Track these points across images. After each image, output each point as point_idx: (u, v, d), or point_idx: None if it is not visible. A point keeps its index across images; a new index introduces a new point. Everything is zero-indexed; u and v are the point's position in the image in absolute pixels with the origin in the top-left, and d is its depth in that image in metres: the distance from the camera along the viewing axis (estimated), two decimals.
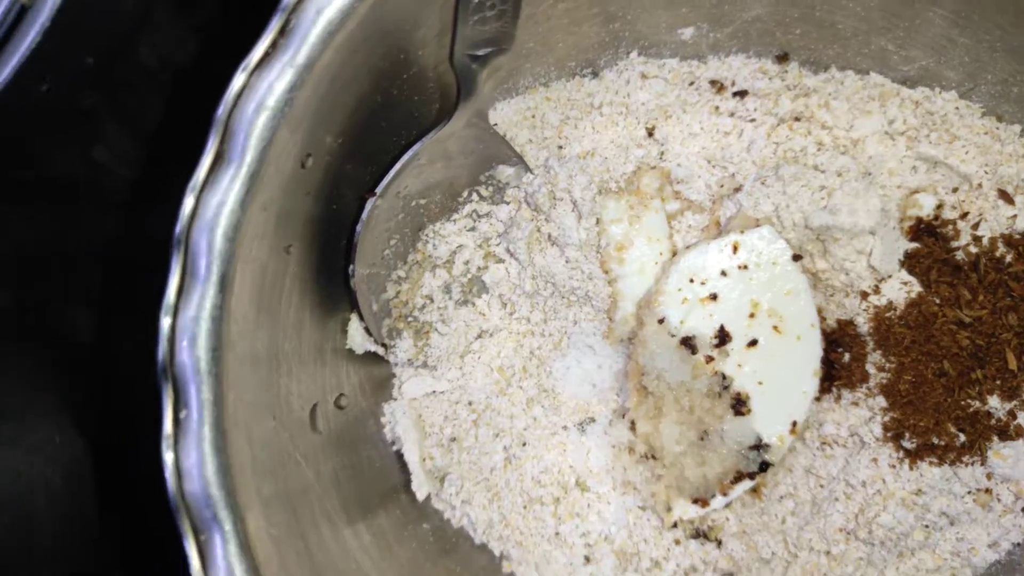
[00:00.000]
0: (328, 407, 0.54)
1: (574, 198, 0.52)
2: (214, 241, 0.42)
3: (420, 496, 0.56)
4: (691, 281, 0.51)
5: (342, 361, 0.56)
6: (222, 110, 0.42)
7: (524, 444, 0.57)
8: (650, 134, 0.55)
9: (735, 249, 0.50)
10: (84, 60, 0.59)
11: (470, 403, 0.57)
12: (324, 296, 0.53)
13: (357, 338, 0.55)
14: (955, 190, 0.50)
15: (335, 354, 0.55)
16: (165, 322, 0.42)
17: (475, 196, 0.56)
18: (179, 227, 0.42)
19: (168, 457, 0.42)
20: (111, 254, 0.75)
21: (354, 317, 0.55)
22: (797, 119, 0.53)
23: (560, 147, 0.56)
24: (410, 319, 0.56)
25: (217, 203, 0.42)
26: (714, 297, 0.51)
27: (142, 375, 0.74)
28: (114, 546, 0.67)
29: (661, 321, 0.52)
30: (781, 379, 0.50)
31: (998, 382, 0.46)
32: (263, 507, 0.45)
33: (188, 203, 0.42)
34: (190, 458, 0.42)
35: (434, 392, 0.57)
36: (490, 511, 0.56)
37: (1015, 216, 0.48)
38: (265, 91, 0.41)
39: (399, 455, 0.58)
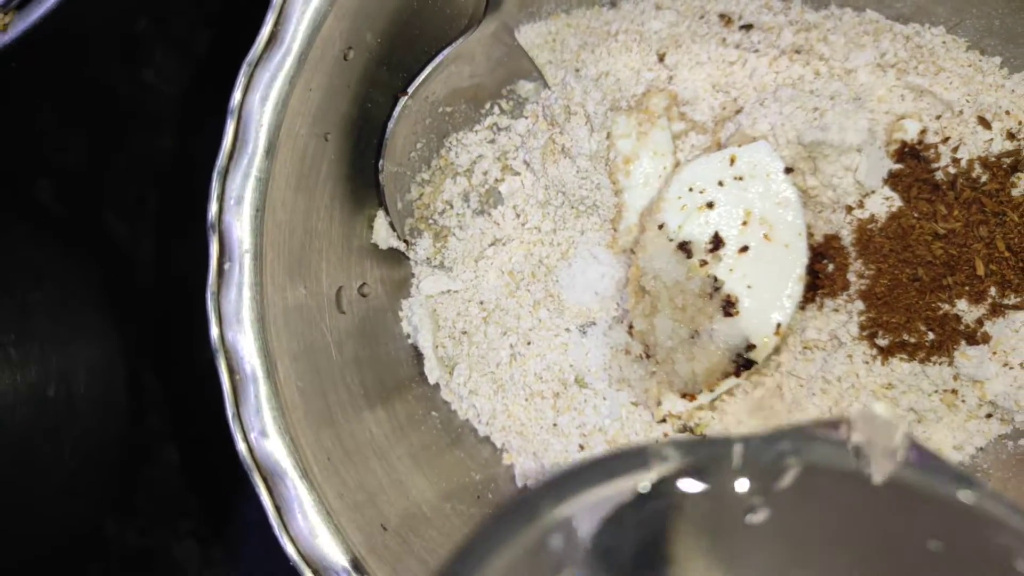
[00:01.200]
0: (352, 292, 0.58)
1: (587, 112, 0.57)
2: (265, 110, 0.47)
3: (432, 380, 0.60)
4: (690, 190, 0.56)
5: (366, 257, 0.61)
6: None
7: (529, 343, 0.61)
8: (661, 60, 0.59)
9: (732, 161, 0.55)
10: None
11: (481, 302, 0.62)
12: (354, 191, 0.58)
13: (382, 232, 0.60)
14: (938, 117, 0.54)
15: (360, 250, 0.60)
16: (216, 183, 0.48)
17: (496, 109, 0.60)
18: (234, 98, 0.47)
19: (211, 303, 0.48)
20: (154, 170, 0.81)
21: (380, 213, 0.60)
22: (797, 51, 0.58)
23: (577, 69, 0.60)
24: (431, 221, 0.61)
25: (269, 77, 0.47)
26: (711, 205, 0.55)
27: (173, 285, 0.80)
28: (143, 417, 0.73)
29: (661, 226, 0.56)
30: (768, 284, 0.55)
31: (967, 287, 0.51)
32: (292, 360, 0.50)
33: (242, 77, 0.47)
34: (231, 304, 0.47)
35: (449, 291, 0.62)
36: (494, 401, 0.61)
37: (991, 140, 0.52)
38: None
39: (415, 349, 0.62)
